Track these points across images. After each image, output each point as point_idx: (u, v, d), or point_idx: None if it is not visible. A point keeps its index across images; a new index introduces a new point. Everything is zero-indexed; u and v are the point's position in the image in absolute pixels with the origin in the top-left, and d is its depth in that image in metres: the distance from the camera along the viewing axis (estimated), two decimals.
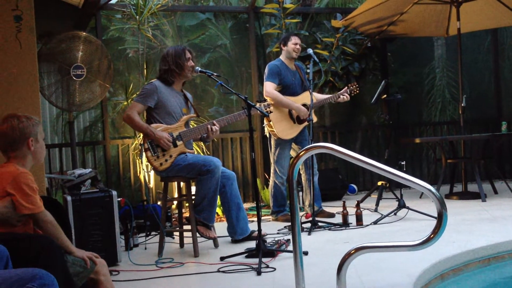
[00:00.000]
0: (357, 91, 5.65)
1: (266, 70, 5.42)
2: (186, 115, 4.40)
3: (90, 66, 5.17)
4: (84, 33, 5.22)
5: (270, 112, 4.40)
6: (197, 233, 4.20)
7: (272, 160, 5.54)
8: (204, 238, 4.32)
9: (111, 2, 6.42)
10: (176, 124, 4.28)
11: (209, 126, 4.31)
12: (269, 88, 5.31)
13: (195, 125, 4.56)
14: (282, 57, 5.51)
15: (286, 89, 5.38)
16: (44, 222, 2.60)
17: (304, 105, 5.36)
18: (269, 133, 5.46)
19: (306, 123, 5.40)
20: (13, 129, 2.66)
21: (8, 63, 4.03)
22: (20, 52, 4.04)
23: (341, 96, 5.50)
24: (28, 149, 2.69)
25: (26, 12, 4.04)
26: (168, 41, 7.31)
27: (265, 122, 5.47)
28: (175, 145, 4.22)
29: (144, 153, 4.22)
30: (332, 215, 5.47)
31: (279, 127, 5.34)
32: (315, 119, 5.45)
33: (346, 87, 5.62)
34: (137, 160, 6.20)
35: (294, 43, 5.43)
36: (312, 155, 5.19)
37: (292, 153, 5.57)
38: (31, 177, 2.62)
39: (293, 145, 5.54)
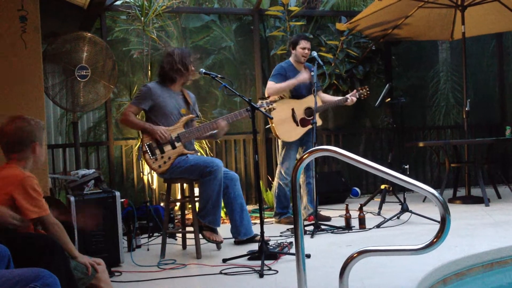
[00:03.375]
0: (368, 95, 5.53)
1: (273, 70, 5.46)
2: (185, 116, 4.39)
3: (95, 66, 5.18)
4: (89, 34, 5.23)
5: (274, 108, 4.38)
6: (203, 238, 4.21)
7: (278, 161, 5.53)
8: (211, 242, 4.31)
9: (116, 3, 6.44)
10: (174, 126, 4.26)
11: (214, 124, 4.30)
12: (269, 85, 5.35)
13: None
14: (291, 59, 5.49)
15: (291, 91, 5.37)
16: (51, 224, 2.62)
17: (308, 108, 5.34)
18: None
19: (310, 126, 5.39)
20: (22, 131, 2.66)
21: (13, 63, 4.04)
22: (25, 52, 4.05)
23: (349, 99, 5.44)
24: (32, 152, 2.70)
25: (32, 12, 4.05)
26: (172, 43, 7.32)
27: (270, 123, 5.46)
28: (174, 147, 4.21)
29: (142, 156, 4.21)
30: (328, 219, 5.43)
31: (281, 129, 5.34)
32: (319, 122, 5.44)
33: (355, 90, 5.53)
34: (140, 163, 6.21)
35: (302, 47, 5.36)
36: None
37: (298, 157, 5.55)
38: (36, 181, 2.63)
39: (299, 153, 5.53)
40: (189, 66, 4.38)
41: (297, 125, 5.39)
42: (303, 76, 5.24)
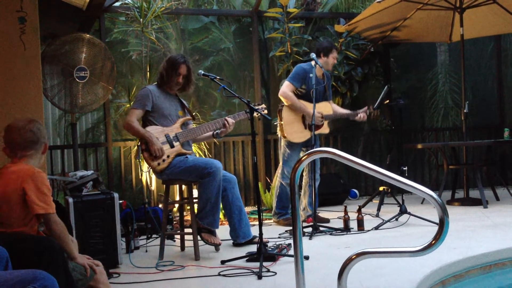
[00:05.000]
0: (377, 117, 5.52)
1: (293, 70, 5.40)
2: (182, 117, 4.44)
3: (94, 68, 5.18)
4: (88, 35, 5.23)
5: (265, 113, 4.41)
6: (201, 240, 4.21)
7: (281, 161, 5.52)
8: (209, 245, 4.31)
9: (115, 4, 6.44)
10: (172, 126, 4.31)
11: (221, 122, 4.35)
12: (286, 88, 5.29)
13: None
14: (314, 64, 5.34)
15: (305, 94, 5.33)
16: (55, 223, 2.63)
17: (319, 113, 5.29)
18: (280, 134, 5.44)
19: (317, 132, 5.31)
20: (37, 131, 2.75)
21: (12, 64, 4.04)
22: (24, 53, 4.05)
23: (359, 115, 5.42)
24: (42, 153, 2.79)
25: (30, 13, 4.05)
26: (171, 44, 7.33)
27: (278, 122, 5.44)
28: (172, 146, 4.24)
29: (141, 154, 4.23)
30: (326, 220, 5.43)
31: (290, 129, 5.33)
32: (327, 130, 5.44)
33: (366, 107, 5.49)
34: (139, 162, 6.21)
35: (334, 56, 5.40)
36: (315, 160, 5.18)
37: None
38: (46, 176, 2.66)
39: (303, 151, 5.52)
40: (172, 76, 4.36)
41: (305, 128, 5.37)
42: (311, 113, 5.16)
